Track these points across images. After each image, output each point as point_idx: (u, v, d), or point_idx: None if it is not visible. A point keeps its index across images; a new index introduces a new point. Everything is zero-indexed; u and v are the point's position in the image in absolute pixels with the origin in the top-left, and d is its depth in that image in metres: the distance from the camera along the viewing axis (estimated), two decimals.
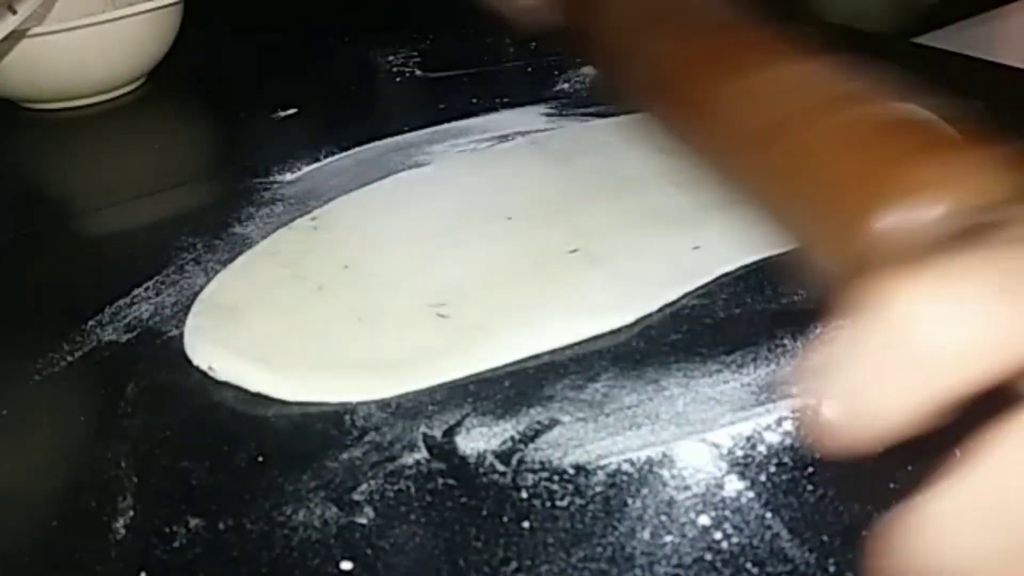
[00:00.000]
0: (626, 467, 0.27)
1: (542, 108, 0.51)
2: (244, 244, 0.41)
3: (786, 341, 0.31)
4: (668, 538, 0.25)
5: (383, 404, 0.30)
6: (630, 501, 0.26)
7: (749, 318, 0.33)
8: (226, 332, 0.34)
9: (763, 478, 0.26)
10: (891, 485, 0.26)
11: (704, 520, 0.25)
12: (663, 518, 0.25)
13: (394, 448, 0.29)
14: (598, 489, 0.26)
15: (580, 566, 0.24)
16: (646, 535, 0.25)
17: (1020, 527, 0.14)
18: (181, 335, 0.35)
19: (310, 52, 0.67)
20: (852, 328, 0.16)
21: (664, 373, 0.31)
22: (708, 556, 0.24)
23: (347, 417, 0.30)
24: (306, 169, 0.47)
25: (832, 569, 0.23)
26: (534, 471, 0.27)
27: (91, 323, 0.36)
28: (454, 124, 0.50)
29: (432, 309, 0.34)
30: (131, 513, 0.27)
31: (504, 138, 0.48)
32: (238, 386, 0.32)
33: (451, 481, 0.27)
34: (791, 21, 0.32)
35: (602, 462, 0.27)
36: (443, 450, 0.28)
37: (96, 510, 0.27)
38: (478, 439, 0.29)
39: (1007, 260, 0.15)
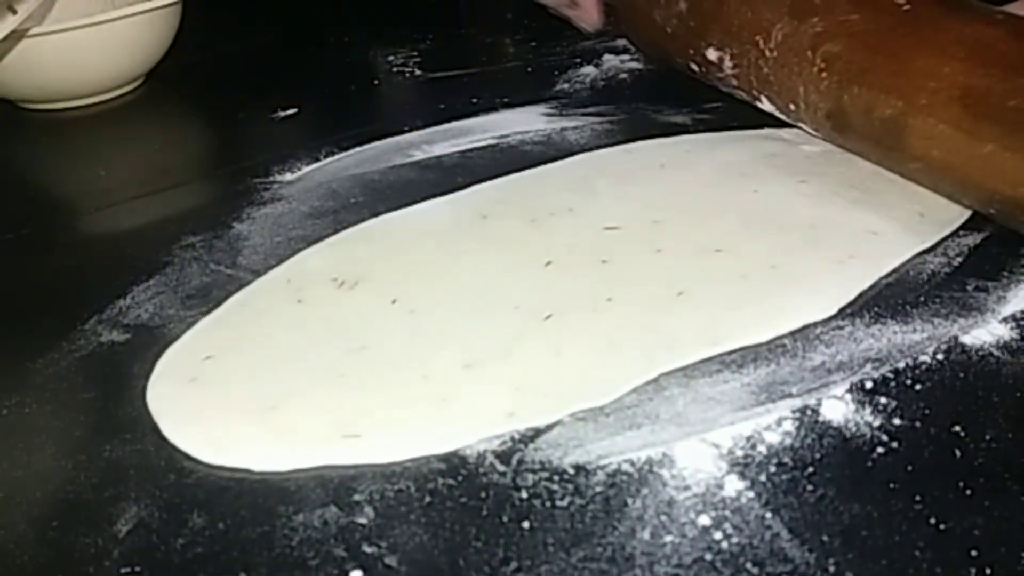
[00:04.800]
0: (626, 467, 0.27)
1: (542, 108, 0.51)
2: (244, 243, 0.41)
3: (786, 341, 0.32)
4: (668, 538, 0.25)
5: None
6: (630, 501, 0.26)
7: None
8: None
9: (763, 478, 0.26)
10: (891, 485, 0.26)
11: (704, 520, 0.25)
12: (663, 518, 0.25)
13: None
14: (598, 489, 0.26)
15: (580, 566, 0.24)
16: (646, 535, 0.25)
17: None
18: (181, 335, 0.35)
19: (310, 52, 0.67)
20: None
21: (664, 373, 0.31)
22: (708, 556, 0.24)
23: None
24: (306, 169, 0.47)
25: (832, 569, 0.23)
26: (534, 471, 0.27)
27: (91, 323, 0.36)
28: (454, 124, 0.50)
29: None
30: (131, 513, 0.27)
31: (504, 138, 0.48)
32: None
33: (451, 481, 0.27)
34: None
35: (602, 462, 0.27)
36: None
37: (96, 510, 0.27)
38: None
39: None
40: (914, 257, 0.36)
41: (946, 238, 0.36)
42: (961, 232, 0.37)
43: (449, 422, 0.30)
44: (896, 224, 0.38)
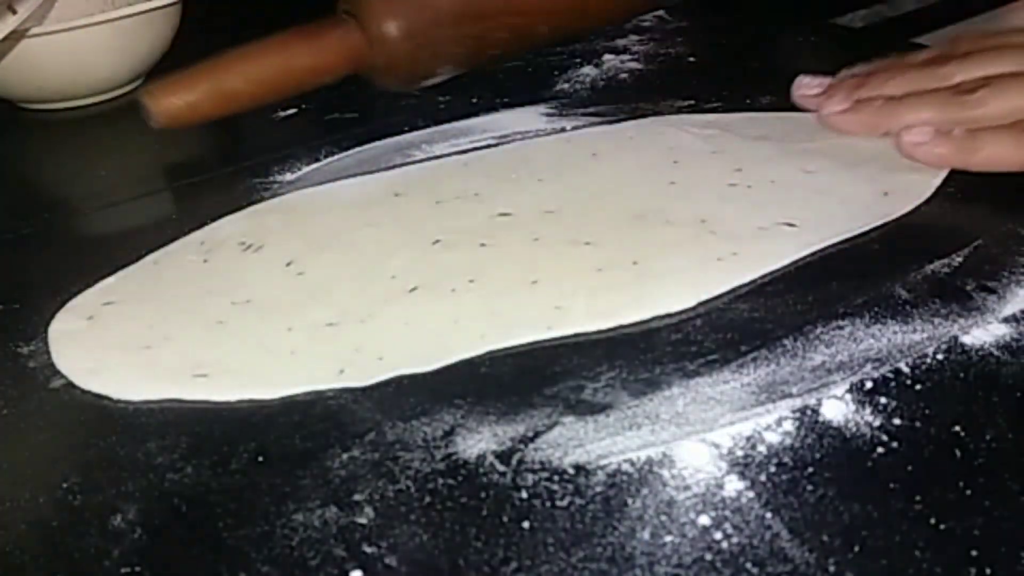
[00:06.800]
0: (626, 467, 0.27)
1: (542, 108, 0.51)
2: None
3: (786, 341, 0.32)
4: (668, 538, 0.25)
5: (383, 406, 0.30)
6: (630, 501, 0.26)
7: (750, 319, 0.33)
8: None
9: (763, 478, 0.26)
10: (891, 485, 0.26)
11: (704, 520, 0.25)
12: (663, 518, 0.25)
13: (394, 448, 0.29)
14: (598, 489, 0.26)
15: (580, 566, 0.24)
16: (646, 535, 0.25)
17: None
18: None
19: None
20: None
21: (664, 373, 0.31)
22: (708, 556, 0.24)
23: (347, 417, 0.30)
24: (306, 169, 0.47)
25: (832, 569, 0.23)
26: (534, 471, 0.27)
27: None
28: (454, 124, 0.50)
29: None
30: (131, 512, 0.27)
31: (504, 138, 0.48)
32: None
33: (451, 481, 0.27)
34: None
35: (602, 462, 0.27)
36: (443, 450, 0.28)
37: (96, 509, 0.27)
38: (478, 439, 0.29)
39: None
40: (796, 260, 0.35)
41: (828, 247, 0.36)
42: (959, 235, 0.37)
43: (287, 372, 0.32)
44: (809, 222, 0.38)
